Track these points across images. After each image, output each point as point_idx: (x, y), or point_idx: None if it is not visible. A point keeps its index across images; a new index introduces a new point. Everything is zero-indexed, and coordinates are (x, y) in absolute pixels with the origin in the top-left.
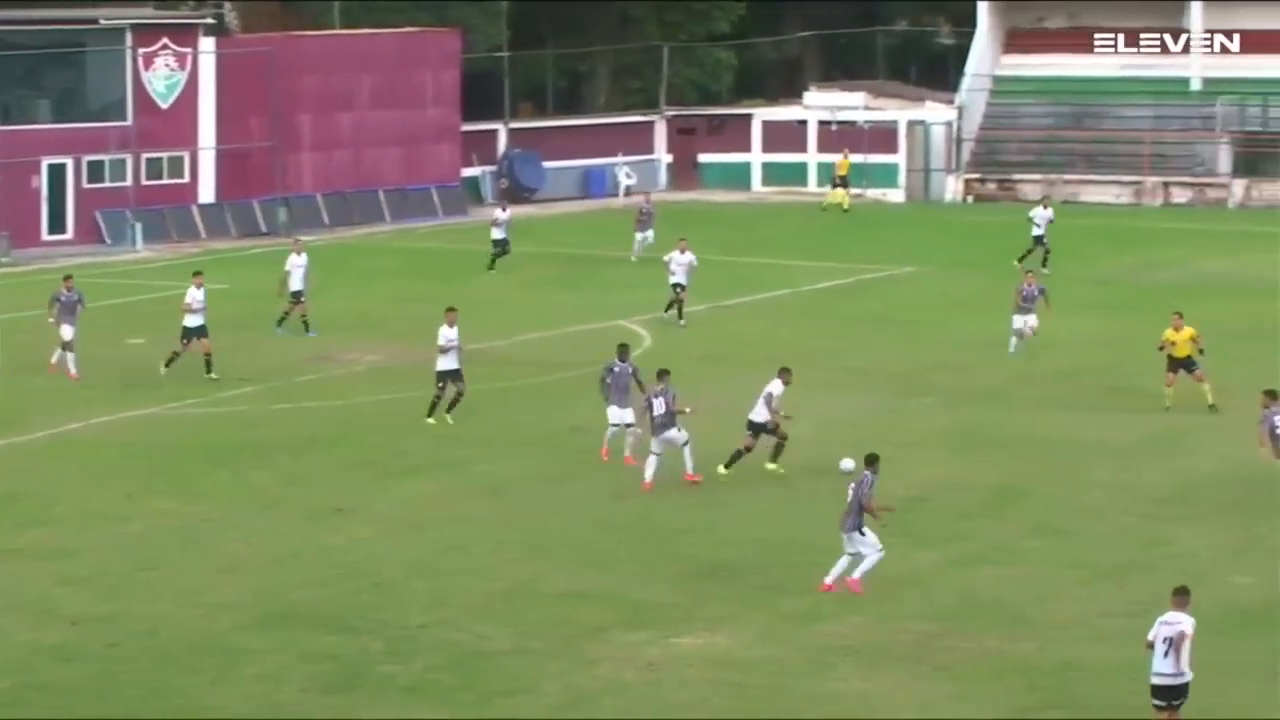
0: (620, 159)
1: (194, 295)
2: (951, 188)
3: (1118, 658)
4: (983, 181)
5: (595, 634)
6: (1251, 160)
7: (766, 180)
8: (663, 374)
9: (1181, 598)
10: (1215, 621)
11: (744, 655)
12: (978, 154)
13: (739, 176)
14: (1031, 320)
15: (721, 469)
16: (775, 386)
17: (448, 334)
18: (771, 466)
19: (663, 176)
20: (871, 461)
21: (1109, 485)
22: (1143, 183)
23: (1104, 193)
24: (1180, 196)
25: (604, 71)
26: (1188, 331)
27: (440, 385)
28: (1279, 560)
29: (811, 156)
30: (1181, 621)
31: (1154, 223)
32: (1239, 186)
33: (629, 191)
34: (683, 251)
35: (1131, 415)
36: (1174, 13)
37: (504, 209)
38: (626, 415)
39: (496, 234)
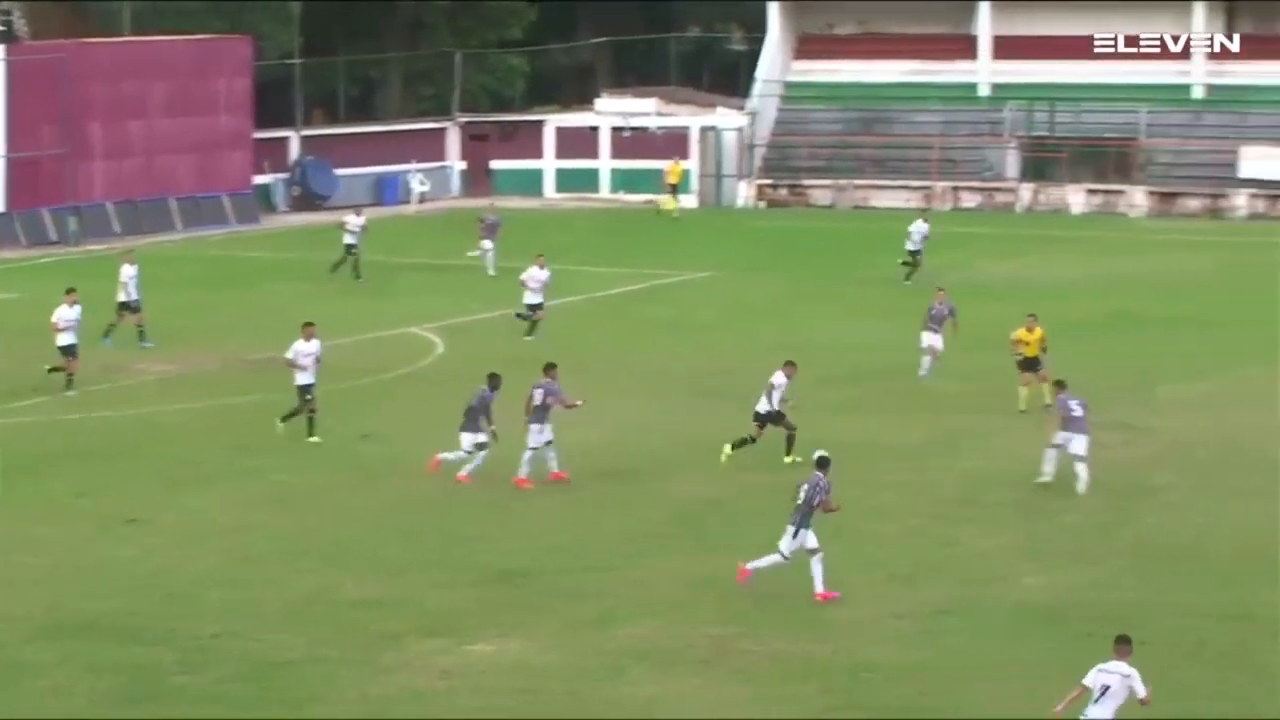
0: (413, 166)
1: (62, 313)
2: (743, 193)
3: (910, 658)
4: (774, 187)
5: (390, 642)
6: (1039, 164)
7: (559, 187)
8: (549, 368)
9: (1124, 647)
10: (1007, 622)
11: (537, 661)
12: (769, 160)
13: (532, 183)
14: (937, 341)
15: (728, 449)
16: (779, 378)
17: (305, 348)
18: (789, 459)
19: (456, 183)
20: (823, 464)
21: (900, 487)
22: (932, 187)
23: (894, 198)
24: (969, 201)
25: (396, 78)
26: (1039, 333)
27: (306, 399)
28: (1066, 560)
29: (604, 163)
30: (1120, 671)
31: (943, 227)
32: (1026, 190)
33: (423, 198)
34: (541, 267)
35: (921, 417)
36: (962, 19)
37: (358, 213)
38: (479, 438)
39: (348, 239)
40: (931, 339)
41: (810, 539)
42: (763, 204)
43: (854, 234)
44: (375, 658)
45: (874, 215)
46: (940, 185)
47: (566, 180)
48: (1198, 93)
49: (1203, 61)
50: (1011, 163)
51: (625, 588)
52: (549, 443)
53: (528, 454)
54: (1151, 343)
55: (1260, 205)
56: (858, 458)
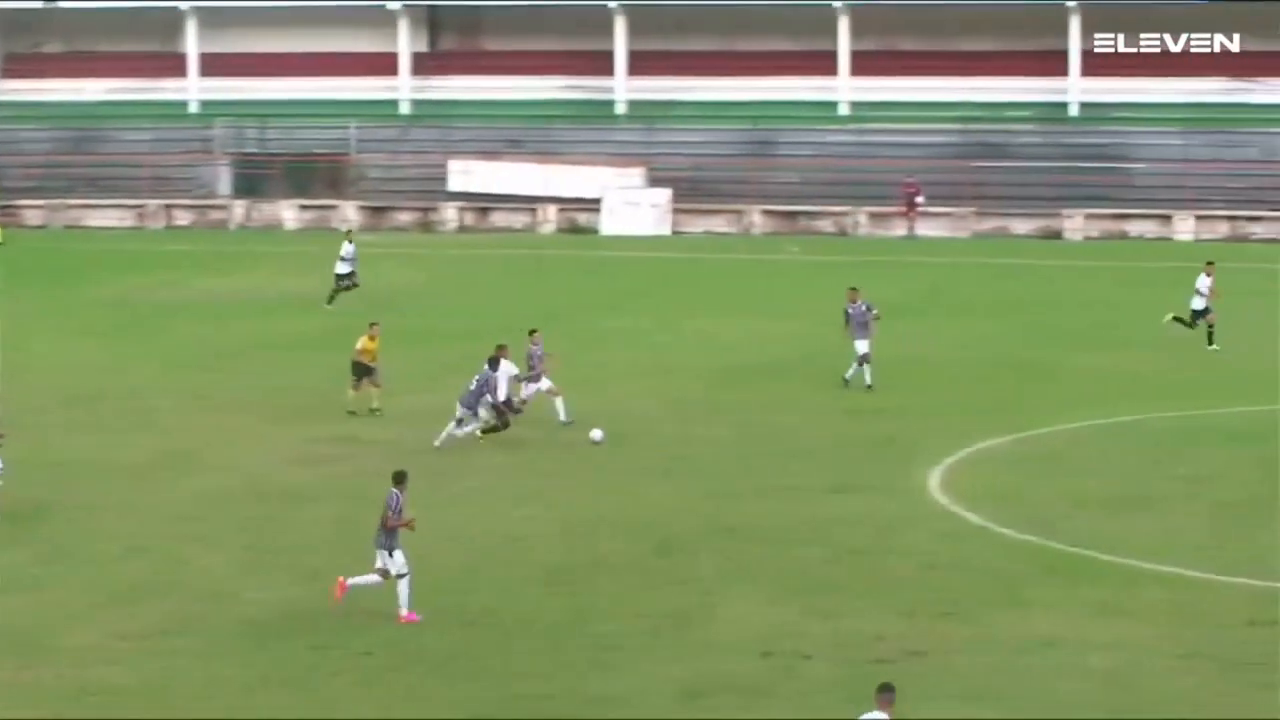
0: None
1: None
2: None
3: (133, 680)
4: None
5: None
6: (251, 181)
7: None
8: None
9: (885, 695)
10: (231, 638)
11: None
12: None
13: None
14: (863, 345)
15: None
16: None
17: None
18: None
19: None
20: (399, 479)
21: (125, 506)
22: (145, 205)
23: (107, 216)
24: (183, 218)
25: None
26: (377, 343)
27: None
28: (287, 574)
29: None
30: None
31: (157, 245)
32: (240, 207)
33: None
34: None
35: (147, 436)
36: (171, 37)
37: (350, 241)
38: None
39: (341, 268)
40: (862, 346)
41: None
42: None
43: (65, 253)
44: None
45: (88, 234)
46: (154, 203)
47: None
48: (405, 108)
49: (409, 77)
50: (224, 180)
51: None
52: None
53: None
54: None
55: (469, 218)
56: (81, 477)
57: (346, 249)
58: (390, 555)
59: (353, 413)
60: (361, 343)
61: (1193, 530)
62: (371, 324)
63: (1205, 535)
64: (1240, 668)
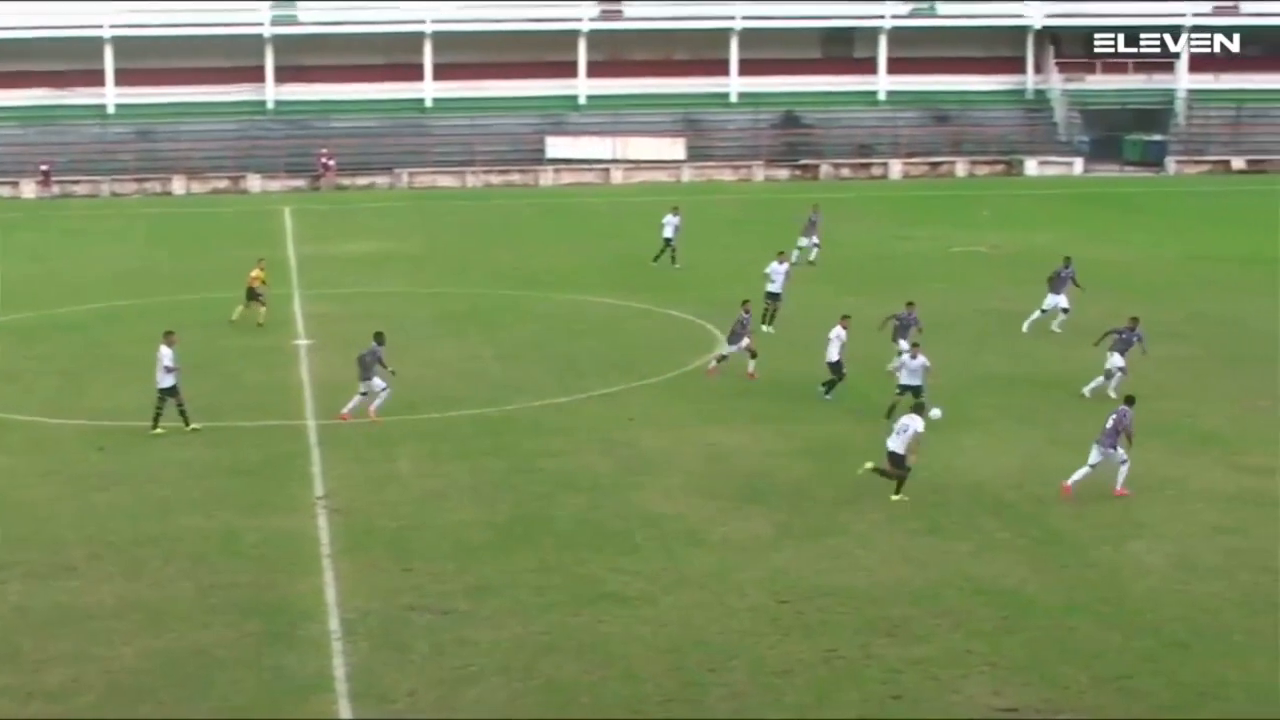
0: None
1: None
2: None
3: None
4: None
5: None
6: None
7: None
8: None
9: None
10: None
11: None
12: None
13: None
14: (728, 348)
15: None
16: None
17: (168, 354)
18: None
19: None
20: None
21: None
22: None
23: None
24: None
25: None
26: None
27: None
28: None
29: None
30: None
31: None
32: None
33: None
34: None
35: None
36: None
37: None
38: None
39: (771, 287)
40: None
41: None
42: None
43: None
44: None
45: None
46: None
47: None
48: None
49: None
50: None
51: None
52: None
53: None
54: None
55: None
56: None
57: None
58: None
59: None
60: (254, 273)
61: (43, 390)
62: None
63: (53, 394)
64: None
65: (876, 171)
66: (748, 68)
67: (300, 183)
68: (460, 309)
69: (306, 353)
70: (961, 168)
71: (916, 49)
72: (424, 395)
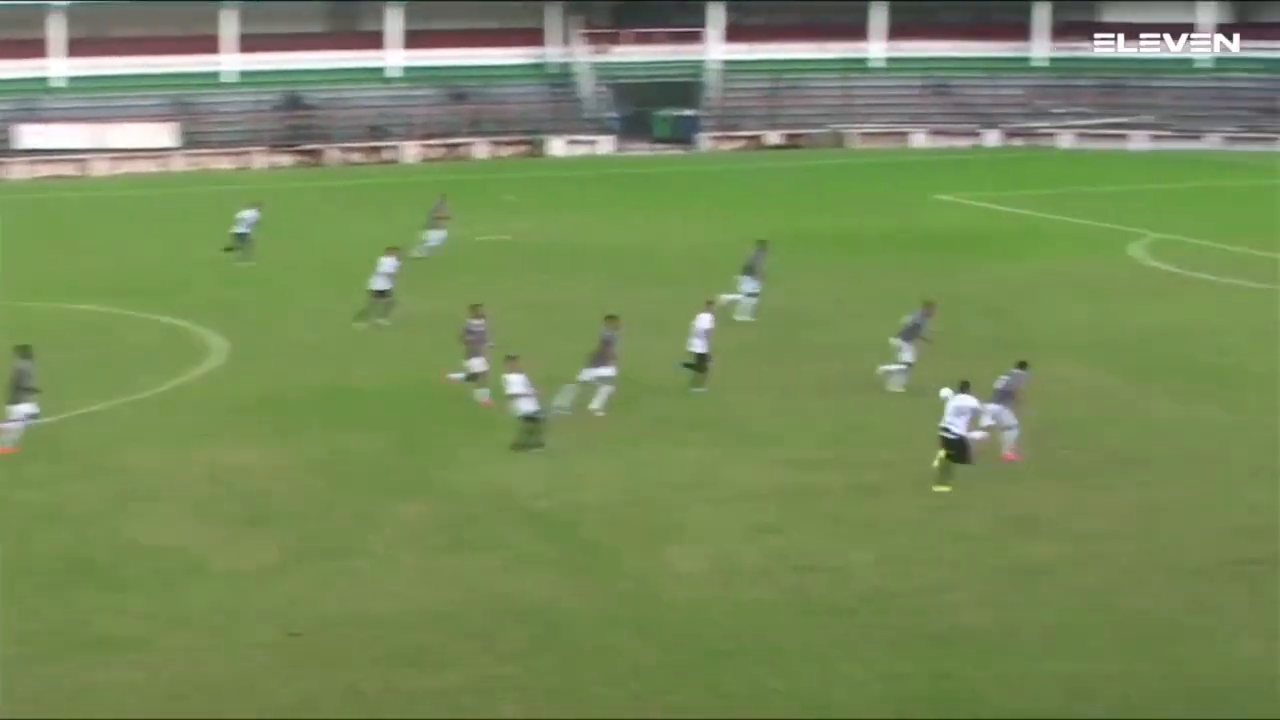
0: None
1: None
2: None
3: None
4: None
5: None
6: None
7: None
8: None
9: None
10: None
11: None
12: None
13: None
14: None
15: None
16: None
17: None
18: None
19: None
20: None
21: None
22: None
23: None
24: None
25: None
26: None
27: None
28: None
29: None
30: None
31: None
32: None
33: None
34: None
35: None
36: None
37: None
38: None
39: (380, 284)
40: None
41: None
42: None
43: None
44: None
45: None
46: None
47: None
48: None
49: None
50: None
51: None
52: None
53: None
54: None
55: None
56: None
57: None
58: None
59: None
60: None
61: None
62: None
63: None
64: None
65: (389, 156)
66: (246, 43)
67: None
68: None
69: None
70: (482, 149)
71: (429, 20)
72: None
